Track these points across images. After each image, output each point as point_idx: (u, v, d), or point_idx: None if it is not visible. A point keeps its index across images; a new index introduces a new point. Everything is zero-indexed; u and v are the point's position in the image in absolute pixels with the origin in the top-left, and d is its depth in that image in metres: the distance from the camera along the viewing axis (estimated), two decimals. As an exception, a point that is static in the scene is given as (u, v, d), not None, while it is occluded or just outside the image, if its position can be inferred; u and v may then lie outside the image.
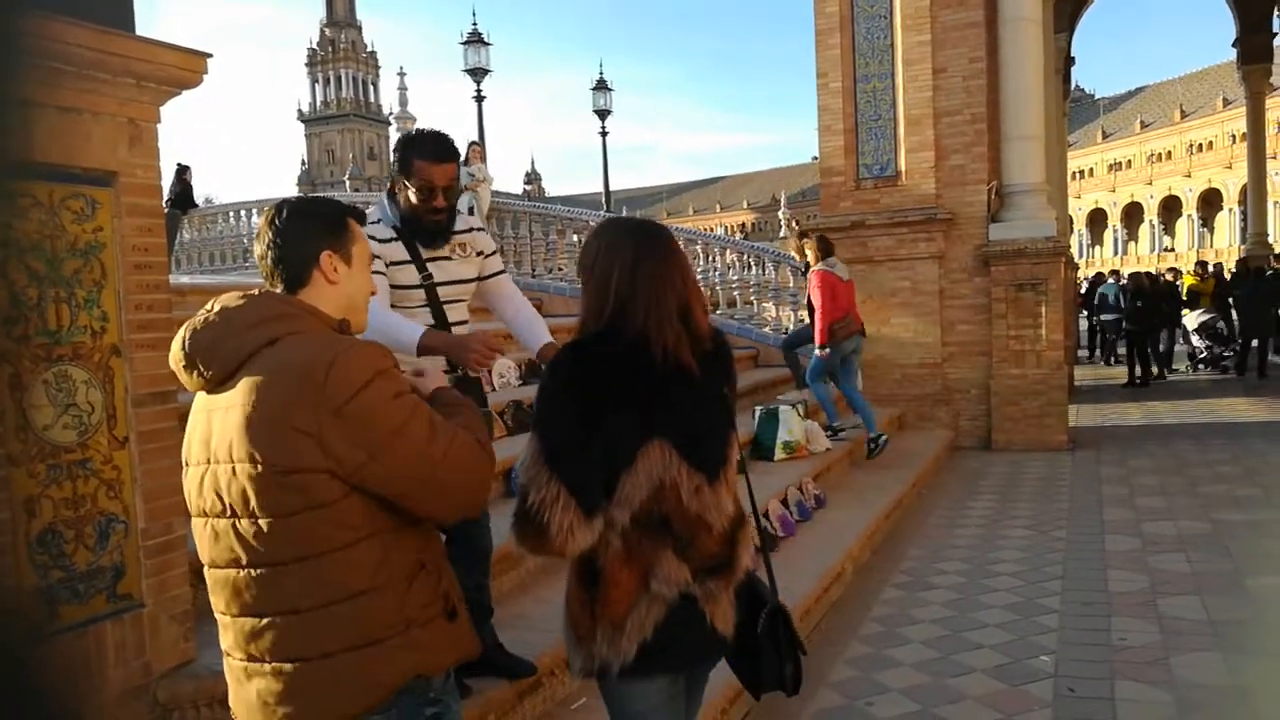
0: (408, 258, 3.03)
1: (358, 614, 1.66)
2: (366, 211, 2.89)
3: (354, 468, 1.62)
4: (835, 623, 4.94)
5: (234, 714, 1.77)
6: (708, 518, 1.99)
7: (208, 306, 1.76)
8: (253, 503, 1.63)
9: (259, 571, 1.66)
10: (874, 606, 5.18)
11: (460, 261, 3.15)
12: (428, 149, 2.96)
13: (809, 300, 8.26)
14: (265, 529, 1.64)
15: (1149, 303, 14.78)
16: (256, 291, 1.80)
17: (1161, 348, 15.80)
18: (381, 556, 1.68)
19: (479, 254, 3.23)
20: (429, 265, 3.06)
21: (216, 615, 1.76)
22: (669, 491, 1.94)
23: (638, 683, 1.98)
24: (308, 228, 1.81)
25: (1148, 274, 16.70)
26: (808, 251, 8.42)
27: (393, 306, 3.05)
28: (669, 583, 1.94)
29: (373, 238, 2.97)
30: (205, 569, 1.76)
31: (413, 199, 2.98)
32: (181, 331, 1.73)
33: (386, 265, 2.99)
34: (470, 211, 11.69)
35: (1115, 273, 19.84)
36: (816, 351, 7.92)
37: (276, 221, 1.80)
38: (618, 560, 1.93)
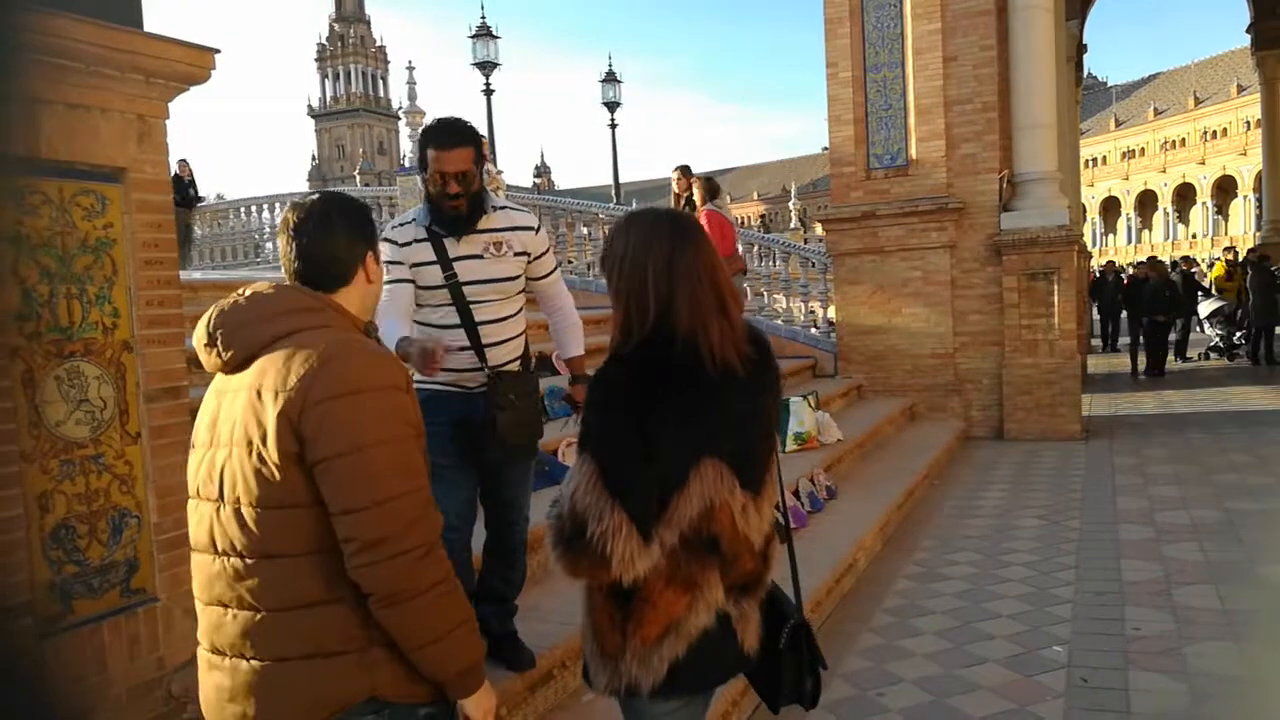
0: (432, 258, 3.02)
1: (315, 622, 1.62)
2: (401, 215, 3.01)
3: (311, 464, 1.60)
4: (847, 613, 4.94)
5: (201, 704, 1.76)
6: (750, 536, 1.90)
7: (239, 291, 1.76)
8: (239, 489, 1.64)
9: (230, 561, 1.65)
10: (886, 597, 5.18)
11: (493, 260, 3.07)
12: (436, 136, 2.99)
13: None
14: (243, 519, 1.63)
15: (1175, 293, 14.68)
16: (287, 283, 1.80)
17: (1175, 336, 15.70)
18: (343, 569, 1.62)
19: (521, 254, 3.14)
20: (455, 265, 3.03)
21: (195, 600, 1.76)
22: (720, 512, 1.83)
23: (668, 700, 1.90)
24: (355, 229, 1.82)
25: (1168, 263, 16.48)
26: (695, 191, 8.54)
27: (419, 306, 3.07)
28: (710, 604, 1.86)
29: (392, 241, 3.01)
30: (191, 552, 1.75)
31: (431, 189, 3.00)
32: (210, 311, 1.74)
33: (410, 267, 3.01)
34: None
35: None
36: None
37: (329, 222, 1.79)
38: (660, 580, 1.82)
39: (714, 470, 1.83)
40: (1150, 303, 14.46)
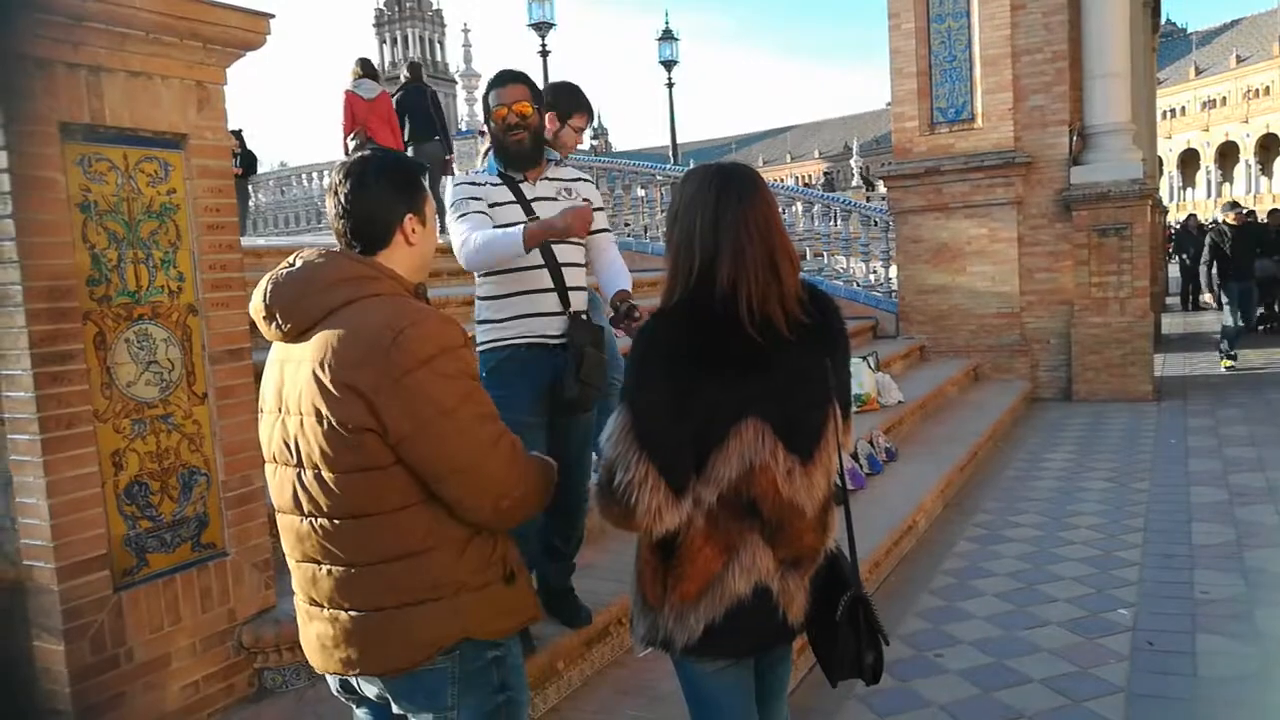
0: (511, 198, 3.14)
1: (407, 573, 1.69)
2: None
3: (399, 438, 1.64)
4: (906, 575, 4.90)
5: (304, 650, 1.87)
6: (799, 502, 1.85)
7: (289, 259, 1.79)
8: (315, 455, 1.68)
9: (318, 522, 1.71)
10: (946, 559, 5.13)
11: (565, 202, 3.20)
12: (494, 81, 3.20)
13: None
14: (324, 482, 1.68)
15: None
16: (337, 249, 1.81)
17: None
18: (432, 522, 1.69)
19: (586, 200, 3.27)
20: (533, 204, 3.14)
21: (287, 556, 1.84)
22: (760, 474, 1.80)
23: (701, 659, 1.91)
24: (393, 190, 1.81)
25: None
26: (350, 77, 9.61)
27: None
28: (750, 570, 1.83)
29: (472, 183, 3.15)
30: (275, 513, 1.83)
31: (494, 129, 3.15)
32: (263, 282, 1.76)
33: (489, 206, 3.12)
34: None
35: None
36: None
37: (364, 181, 1.78)
38: (699, 538, 1.82)
39: (755, 431, 1.79)
40: None
